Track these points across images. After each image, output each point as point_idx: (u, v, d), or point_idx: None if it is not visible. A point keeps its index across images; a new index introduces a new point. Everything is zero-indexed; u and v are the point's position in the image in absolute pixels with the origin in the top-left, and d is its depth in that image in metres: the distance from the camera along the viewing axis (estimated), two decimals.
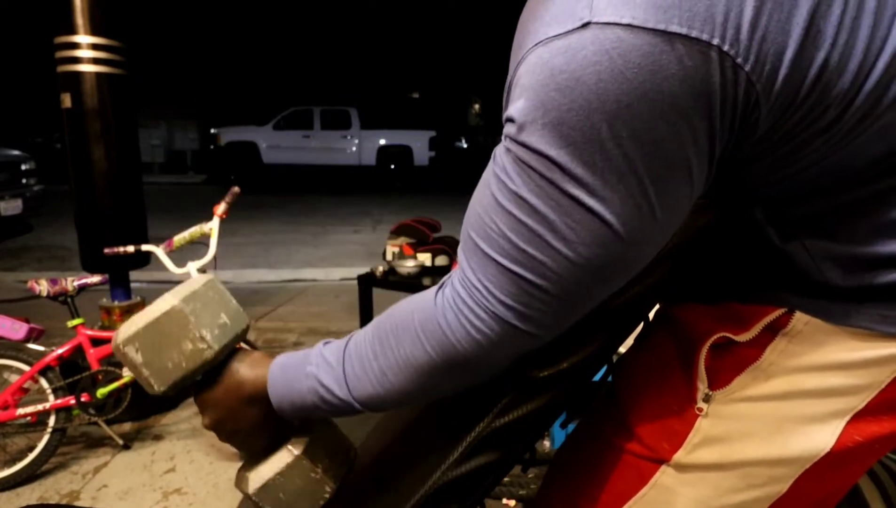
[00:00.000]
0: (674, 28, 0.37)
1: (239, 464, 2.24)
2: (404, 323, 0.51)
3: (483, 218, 0.46)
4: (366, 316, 3.08)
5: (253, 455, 0.64)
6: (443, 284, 0.51)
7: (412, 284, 2.94)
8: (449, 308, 0.48)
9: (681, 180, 0.42)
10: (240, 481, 0.63)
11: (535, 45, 0.41)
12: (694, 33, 0.37)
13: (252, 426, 0.60)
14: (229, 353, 0.61)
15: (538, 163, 0.41)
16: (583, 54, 0.38)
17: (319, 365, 0.56)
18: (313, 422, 0.64)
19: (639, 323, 0.64)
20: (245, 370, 0.60)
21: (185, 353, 0.56)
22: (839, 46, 0.40)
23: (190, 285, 0.61)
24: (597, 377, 0.70)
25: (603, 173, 0.40)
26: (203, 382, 0.61)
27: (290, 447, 0.60)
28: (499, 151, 0.46)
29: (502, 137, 0.46)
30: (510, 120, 0.43)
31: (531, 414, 0.54)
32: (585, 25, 0.39)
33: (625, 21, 0.37)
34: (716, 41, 0.37)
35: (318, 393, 0.55)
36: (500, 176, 0.44)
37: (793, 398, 0.52)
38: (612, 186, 0.40)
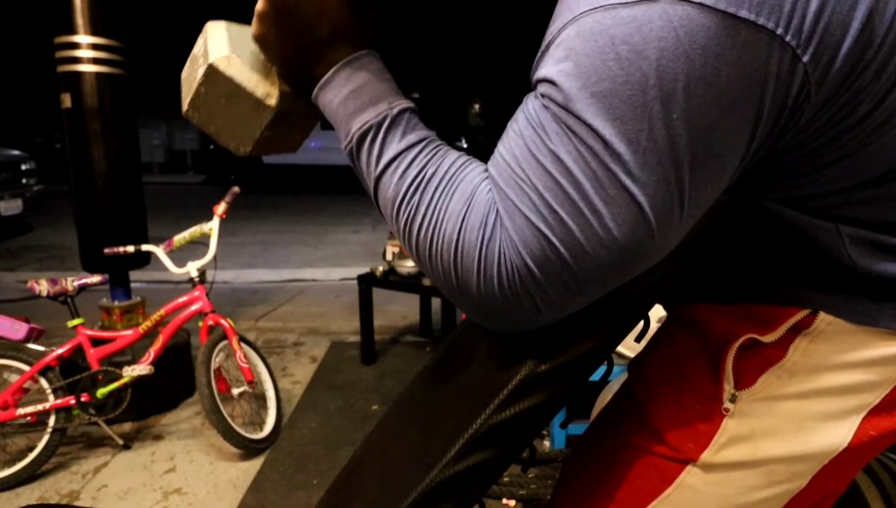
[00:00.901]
0: (743, 13, 0.37)
1: (239, 464, 2.24)
2: (463, 190, 0.46)
3: (512, 166, 0.43)
4: (366, 316, 3.08)
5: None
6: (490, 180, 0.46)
7: (412, 284, 2.94)
8: (497, 239, 0.44)
9: (717, 171, 0.42)
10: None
11: (594, 8, 0.39)
12: (761, 20, 0.37)
13: (289, 39, 0.54)
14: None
15: (581, 129, 0.40)
16: (649, 28, 0.37)
17: (392, 130, 0.50)
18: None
19: (638, 322, 0.64)
20: (342, 28, 0.53)
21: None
22: (886, 46, 0.40)
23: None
24: (596, 377, 0.70)
25: (645, 153, 0.39)
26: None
27: (276, 87, 0.57)
28: (533, 105, 0.43)
29: (536, 94, 0.43)
30: (551, 81, 0.41)
31: (529, 411, 0.54)
32: None
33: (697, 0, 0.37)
34: (780, 31, 0.37)
35: (364, 137, 0.51)
36: (535, 129, 0.42)
37: (814, 395, 0.52)
38: (651, 168, 0.39)
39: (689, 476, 0.57)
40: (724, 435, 0.55)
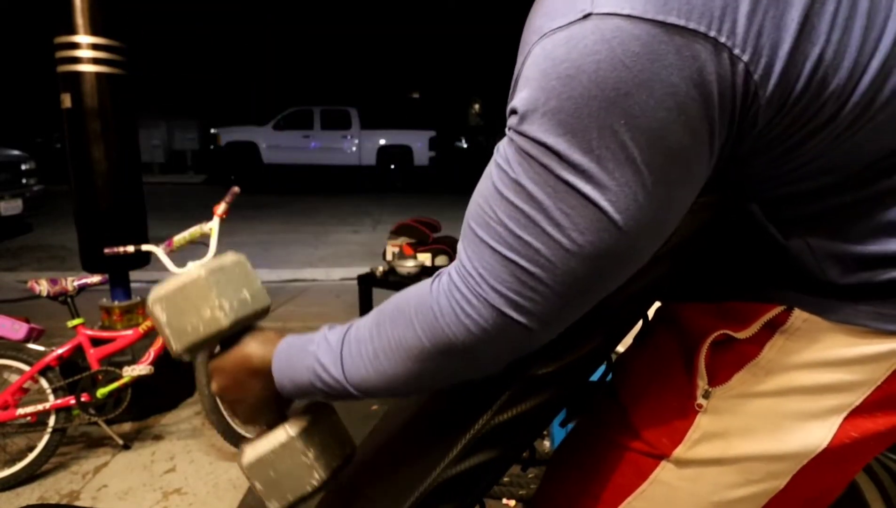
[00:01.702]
0: (672, 19, 0.38)
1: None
2: (401, 308, 0.52)
3: (482, 206, 0.47)
4: None
5: (255, 429, 0.66)
6: (440, 273, 0.51)
7: (412, 284, 2.94)
8: (442, 293, 0.48)
9: (680, 171, 0.43)
10: (239, 454, 0.65)
11: (540, 38, 0.42)
12: (692, 25, 0.38)
13: (255, 398, 0.63)
14: (246, 328, 0.65)
15: (537, 151, 0.42)
16: (583, 44, 0.39)
17: (320, 345, 0.57)
18: (318, 410, 0.66)
19: (637, 321, 0.64)
20: (255, 345, 0.62)
21: (203, 319, 0.61)
22: (833, 43, 0.41)
23: (220, 260, 0.65)
24: (595, 376, 0.70)
25: (600, 161, 0.41)
26: (220, 351, 0.65)
27: (287, 426, 0.62)
28: (502, 143, 0.46)
29: (506, 130, 0.46)
30: (513, 111, 0.44)
31: (530, 412, 0.54)
32: (587, 17, 0.40)
33: (625, 11, 0.38)
34: (712, 33, 0.38)
35: (315, 372, 0.56)
36: (501, 165, 0.45)
37: (791, 394, 0.52)
38: (610, 173, 0.41)
39: (664, 471, 0.57)
40: (696, 431, 0.55)
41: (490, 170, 0.47)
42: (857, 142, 0.45)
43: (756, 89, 0.41)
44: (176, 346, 0.61)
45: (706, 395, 0.55)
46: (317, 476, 0.62)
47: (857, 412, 0.51)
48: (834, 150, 0.45)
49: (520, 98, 0.43)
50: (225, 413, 2.09)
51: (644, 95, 0.39)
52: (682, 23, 0.38)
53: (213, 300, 0.61)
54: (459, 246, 0.49)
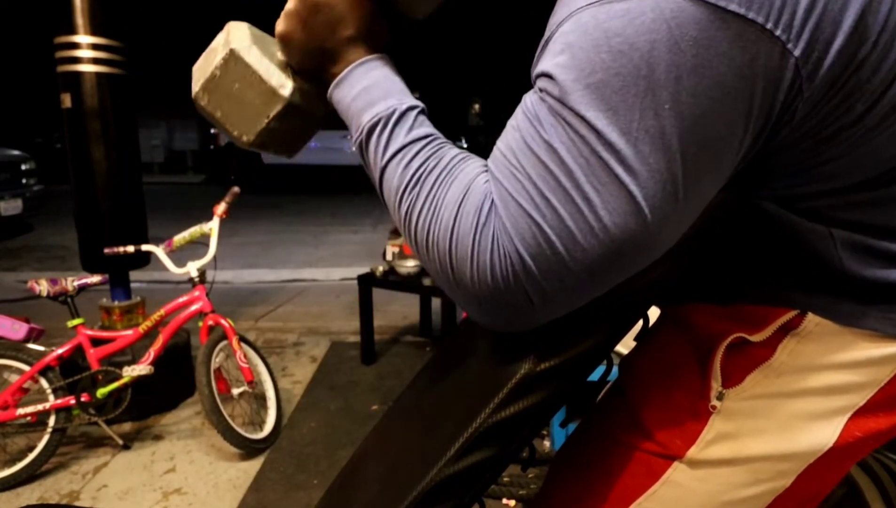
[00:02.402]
0: (733, 7, 0.38)
1: (239, 464, 2.24)
2: (461, 181, 0.48)
3: (508, 157, 0.44)
4: (366, 316, 3.08)
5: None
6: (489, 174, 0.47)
7: (412, 284, 2.94)
8: (494, 213, 0.45)
9: (710, 163, 0.42)
10: (234, 33, 0.60)
11: (590, 3, 0.40)
12: (751, 15, 0.38)
13: (312, 47, 0.58)
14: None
15: (575, 120, 0.40)
16: (641, 20, 0.38)
17: (401, 122, 0.53)
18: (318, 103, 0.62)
19: (637, 321, 0.64)
20: (358, 32, 0.57)
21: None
22: (880, 45, 0.41)
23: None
24: (595, 376, 0.70)
25: (637, 143, 0.39)
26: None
27: (291, 83, 0.59)
28: (530, 100, 0.44)
29: (535, 89, 0.44)
30: (548, 75, 0.42)
31: (529, 410, 0.54)
32: None
33: None
34: (769, 25, 0.38)
35: (365, 128, 0.53)
36: (532, 122, 0.43)
37: (800, 395, 0.53)
38: (644, 157, 0.40)
39: (676, 472, 0.57)
40: (710, 433, 0.55)
41: (516, 123, 0.45)
42: (882, 142, 0.45)
43: (801, 84, 0.40)
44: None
45: (720, 397, 0.55)
46: (286, 84, 0.59)
47: (861, 412, 0.52)
48: (859, 147, 0.45)
49: (559, 63, 0.41)
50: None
51: (693, 82, 0.38)
52: (741, 11, 0.38)
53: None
54: (493, 185, 0.46)
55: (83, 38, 2.27)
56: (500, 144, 0.46)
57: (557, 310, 0.47)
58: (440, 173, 0.49)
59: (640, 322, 0.66)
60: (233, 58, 0.58)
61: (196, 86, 0.62)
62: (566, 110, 0.41)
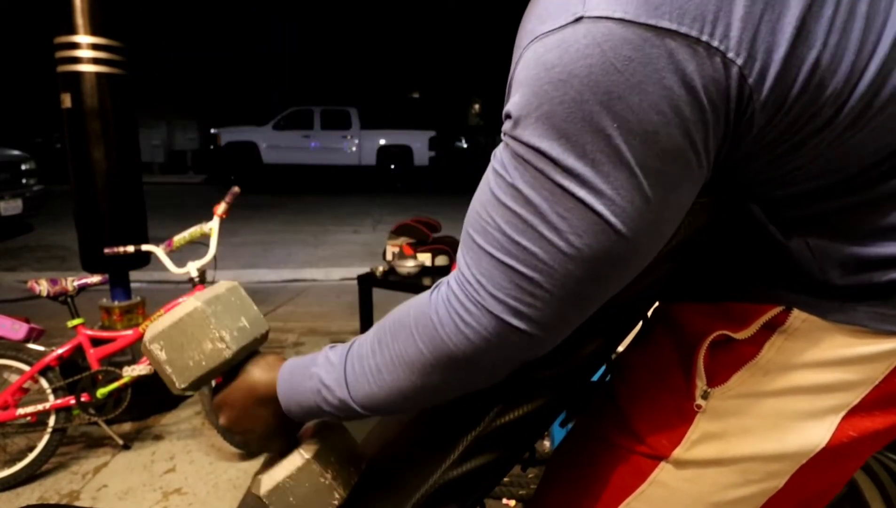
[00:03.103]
0: (664, 24, 0.38)
1: (239, 464, 2.24)
2: (401, 321, 0.52)
3: (480, 213, 0.46)
4: (366, 316, 3.08)
5: (269, 457, 0.66)
6: (439, 283, 0.51)
7: (412, 284, 2.94)
8: (441, 303, 0.48)
9: (676, 173, 0.43)
10: (254, 484, 0.64)
11: (531, 41, 0.42)
12: (683, 29, 0.38)
13: (265, 427, 0.62)
14: (248, 356, 0.64)
15: (531, 155, 0.42)
16: (575, 48, 0.39)
17: (323, 366, 0.57)
18: (328, 428, 0.65)
19: (638, 322, 0.64)
20: (259, 372, 0.62)
21: (205, 352, 0.60)
22: (830, 47, 0.41)
23: (214, 290, 0.64)
24: (596, 377, 0.70)
25: (595, 165, 0.40)
26: (222, 383, 0.64)
27: (301, 450, 0.61)
28: (498, 149, 0.46)
29: (502, 134, 0.46)
30: (507, 115, 0.44)
31: (531, 414, 0.54)
32: (578, 20, 0.39)
33: (616, 15, 0.38)
34: (704, 37, 0.38)
35: (320, 393, 0.56)
36: (497, 170, 0.45)
37: (789, 394, 0.52)
38: (605, 177, 0.41)
39: (663, 472, 0.57)
40: (696, 432, 0.55)
41: (487, 176, 0.47)
42: (856, 144, 0.45)
43: (751, 93, 0.40)
44: (179, 383, 0.60)
45: (705, 396, 0.55)
46: (337, 496, 0.61)
47: (855, 411, 0.52)
48: (832, 151, 0.45)
49: (513, 102, 0.43)
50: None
51: (637, 99, 0.39)
52: (673, 27, 0.38)
53: (213, 332, 0.59)
54: (458, 254, 0.49)
55: (83, 38, 2.27)
56: (475, 201, 0.48)
57: (561, 333, 0.49)
58: (375, 348, 0.53)
59: (640, 322, 0.66)
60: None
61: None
62: (522, 147, 0.42)
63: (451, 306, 0.47)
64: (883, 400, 0.51)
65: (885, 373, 0.50)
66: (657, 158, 0.41)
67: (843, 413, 0.52)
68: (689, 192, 0.45)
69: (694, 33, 0.38)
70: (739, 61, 0.39)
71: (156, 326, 0.61)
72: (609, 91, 0.39)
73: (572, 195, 0.41)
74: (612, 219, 0.41)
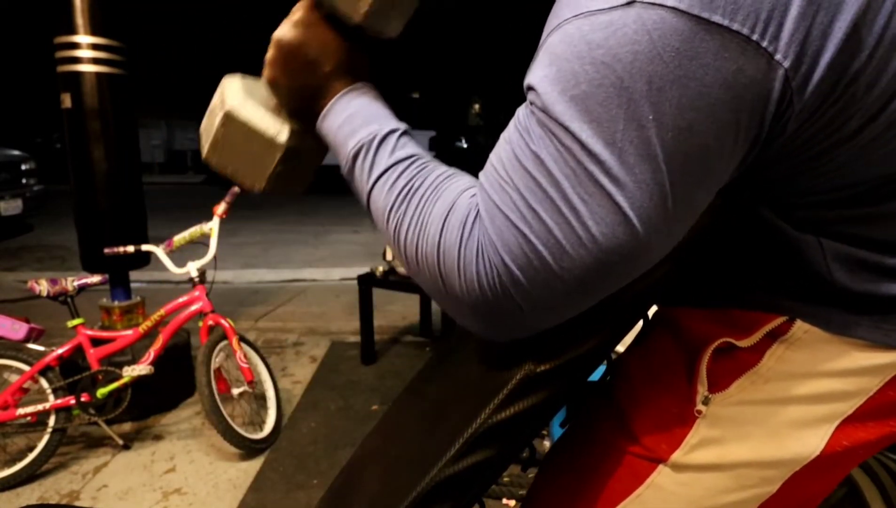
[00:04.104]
0: (716, 18, 0.37)
1: (239, 464, 2.24)
2: (445, 199, 0.49)
3: (498, 169, 0.45)
4: (366, 316, 3.08)
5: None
6: (478, 188, 0.49)
7: (412, 284, 2.94)
8: (478, 227, 0.46)
9: (699, 173, 0.42)
10: (229, 93, 0.65)
11: (576, 15, 0.40)
12: (735, 26, 0.37)
13: (298, 92, 0.61)
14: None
15: (560, 131, 0.41)
16: (623, 31, 0.38)
17: (382, 148, 0.55)
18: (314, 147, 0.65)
19: (637, 322, 0.64)
20: (338, 62, 0.60)
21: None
22: (875, 59, 0.40)
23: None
24: (595, 376, 0.70)
25: (622, 154, 0.39)
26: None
27: (285, 130, 0.63)
28: (521, 112, 0.45)
29: (526, 101, 0.45)
30: (536, 86, 0.42)
31: (529, 410, 0.54)
32: (631, 3, 0.38)
33: (670, 3, 0.37)
34: (755, 36, 0.37)
35: (357, 154, 0.55)
36: (522, 134, 0.44)
37: (788, 402, 0.52)
38: (629, 168, 0.40)
39: (660, 476, 0.57)
40: (695, 437, 0.55)
41: (508, 135, 0.45)
42: (878, 159, 0.45)
43: (792, 96, 0.40)
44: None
45: (706, 401, 0.54)
46: (284, 130, 0.62)
47: (848, 421, 0.52)
48: (855, 162, 0.45)
49: (545, 75, 0.41)
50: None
51: (677, 93, 0.38)
52: (725, 22, 0.37)
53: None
54: (480, 195, 0.47)
55: (83, 38, 2.27)
56: (493, 156, 0.47)
57: (551, 319, 0.47)
58: (425, 191, 0.50)
59: (640, 322, 0.66)
60: (230, 118, 0.63)
61: (205, 148, 0.66)
62: (552, 122, 0.41)
63: (475, 236, 0.45)
64: (876, 411, 0.52)
65: (879, 385, 0.51)
66: (684, 156, 0.40)
67: (837, 423, 0.52)
68: (708, 193, 0.44)
69: (745, 31, 0.37)
70: (787, 64, 0.38)
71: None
72: (651, 81, 0.38)
73: (595, 181, 0.40)
74: (630, 213, 0.40)
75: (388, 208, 0.52)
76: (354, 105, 0.58)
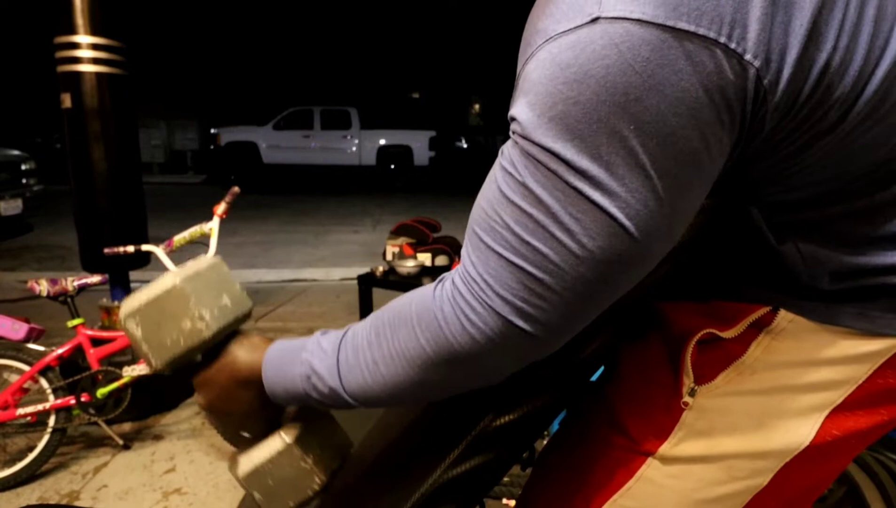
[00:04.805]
0: (682, 25, 0.38)
1: None
2: (402, 314, 0.51)
3: (487, 211, 0.46)
4: (366, 316, 3.07)
5: (246, 441, 0.64)
6: (443, 278, 0.50)
7: (412, 284, 2.94)
8: (446, 300, 0.47)
9: (690, 176, 0.42)
10: (232, 465, 0.63)
11: (545, 41, 0.41)
12: (701, 31, 0.38)
13: (246, 409, 0.60)
14: (229, 335, 0.61)
15: (544, 156, 0.41)
16: (591, 48, 0.39)
17: (314, 352, 0.55)
18: (311, 412, 0.64)
19: (637, 321, 0.64)
20: (242, 352, 0.60)
21: (183, 331, 0.57)
22: (840, 50, 0.41)
23: (195, 265, 0.62)
24: (595, 377, 0.70)
25: (609, 167, 0.40)
26: (202, 362, 0.61)
27: (282, 433, 0.60)
28: (506, 146, 0.46)
29: (510, 133, 0.45)
30: (518, 115, 0.43)
31: (531, 413, 0.54)
32: (594, 21, 0.39)
33: (634, 16, 0.38)
34: (722, 39, 0.38)
35: (310, 380, 0.54)
36: (506, 168, 0.44)
37: (775, 392, 0.53)
38: (619, 179, 0.40)
39: (649, 469, 0.58)
40: (682, 429, 0.56)
41: (494, 174, 0.46)
42: (856, 150, 0.45)
43: (766, 94, 0.40)
44: (155, 362, 0.58)
45: (692, 393, 0.55)
46: (317, 480, 0.60)
47: (838, 410, 0.52)
48: (833, 156, 0.45)
49: (524, 102, 0.42)
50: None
51: (654, 100, 0.39)
52: (692, 28, 0.38)
53: (192, 310, 0.57)
54: (463, 252, 0.48)
55: (83, 38, 2.27)
56: (481, 198, 0.47)
57: (565, 336, 0.48)
58: (373, 340, 0.52)
59: None
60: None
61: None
62: (535, 148, 0.42)
63: (457, 304, 0.46)
64: (866, 400, 0.52)
65: (868, 373, 0.51)
66: (672, 161, 0.41)
67: (826, 412, 0.52)
68: (700, 194, 0.45)
69: (712, 35, 0.38)
70: (757, 63, 0.39)
71: (132, 300, 0.58)
72: (626, 92, 0.39)
73: (586, 197, 0.41)
74: (626, 222, 0.41)
75: (364, 369, 0.52)
76: (276, 361, 0.58)
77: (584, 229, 0.41)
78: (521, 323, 0.45)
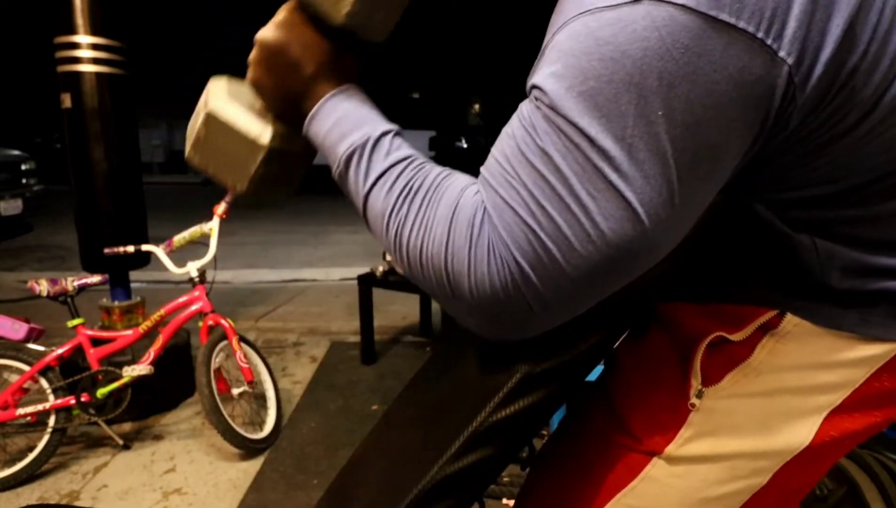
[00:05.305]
0: (724, 17, 0.38)
1: (239, 464, 2.24)
2: (448, 199, 0.48)
3: (503, 164, 0.45)
4: (366, 316, 3.08)
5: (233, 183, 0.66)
6: (480, 186, 0.48)
7: (412, 284, 2.93)
8: (487, 223, 0.45)
9: (706, 169, 0.42)
10: (212, 95, 0.64)
11: (582, 13, 0.41)
12: (741, 24, 0.38)
13: (283, 94, 0.60)
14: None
15: (569, 128, 0.41)
16: (632, 28, 0.39)
17: (367, 153, 0.53)
18: (296, 148, 0.64)
19: (636, 319, 0.64)
20: (329, 70, 0.58)
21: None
22: (870, 55, 0.41)
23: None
24: (594, 375, 0.70)
25: (631, 150, 0.40)
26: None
27: (269, 133, 0.61)
28: (526, 108, 0.45)
29: (530, 97, 0.45)
30: (543, 83, 0.43)
31: (528, 409, 0.54)
32: (638, 0, 0.39)
33: (679, 1, 0.38)
34: (760, 34, 0.38)
35: (349, 160, 0.54)
36: (527, 129, 0.43)
37: (778, 394, 0.54)
38: (638, 164, 0.40)
39: (654, 468, 0.58)
40: (689, 430, 0.56)
41: (511, 130, 0.45)
42: (871, 152, 0.45)
43: (794, 92, 0.40)
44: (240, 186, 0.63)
45: (699, 395, 0.55)
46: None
47: (836, 412, 0.53)
48: (849, 156, 0.45)
49: (552, 71, 0.42)
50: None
51: (686, 89, 0.39)
52: (732, 21, 0.38)
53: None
54: (483, 190, 0.46)
55: (83, 38, 2.27)
56: (495, 151, 0.46)
57: (558, 317, 0.47)
58: (426, 192, 0.49)
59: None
60: (211, 118, 0.62)
61: (188, 147, 0.66)
62: (560, 118, 0.41)
63: (495, 233, 0.44)
64: (862, 402, 0.53)
65: (865, 376, 0.52)
66: (692, 153, 0.41)
67: (825, 414, 0.53)
68: (713, 189, 0.45)
69: (751, 29, 0.38)
70: (790, 61, 0.39)
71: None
72: (661, 77, 0.38)
73: (604, 177, 0.40)
74: (639, 208, 0.41)
75: (388, 212, 0.51)
76: (343, 108, 0.57)
77: (599, 208, 0.41)
78: (523, 288, 0.44)
